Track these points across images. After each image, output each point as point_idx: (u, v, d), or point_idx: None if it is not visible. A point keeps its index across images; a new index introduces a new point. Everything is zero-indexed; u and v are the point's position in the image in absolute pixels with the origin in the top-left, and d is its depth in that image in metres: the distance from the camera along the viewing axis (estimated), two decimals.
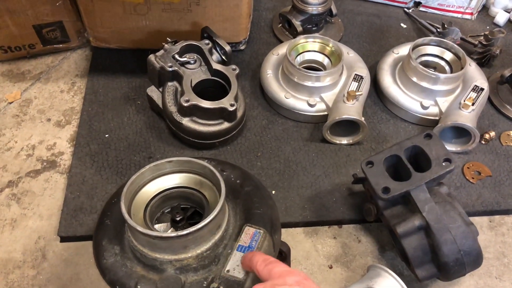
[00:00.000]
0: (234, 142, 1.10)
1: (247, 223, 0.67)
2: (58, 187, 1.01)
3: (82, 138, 1.08)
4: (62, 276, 0.89)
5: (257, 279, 0.59)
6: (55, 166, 1.05)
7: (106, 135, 1.08)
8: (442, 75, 1.09)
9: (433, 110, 1.13)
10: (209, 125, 1.03)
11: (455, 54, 1.15)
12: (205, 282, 0.62)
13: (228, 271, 0.62)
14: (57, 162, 1.06)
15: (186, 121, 1.01)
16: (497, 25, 1.42)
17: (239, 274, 0.61)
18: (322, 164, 1.07)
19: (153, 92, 1.09)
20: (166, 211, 0.72)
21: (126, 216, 0.60)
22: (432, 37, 1.18)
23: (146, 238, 0.61)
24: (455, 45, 1.14)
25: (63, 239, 0.94)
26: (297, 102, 1.12)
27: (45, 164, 1.05)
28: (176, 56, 1.03)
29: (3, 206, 0.98)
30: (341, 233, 0.99)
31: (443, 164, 0.85)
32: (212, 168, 0.67)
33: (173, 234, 0.59)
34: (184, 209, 0.72)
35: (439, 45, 1.16)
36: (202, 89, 1.05)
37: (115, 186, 1.00)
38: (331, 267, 0.95)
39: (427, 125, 1.14)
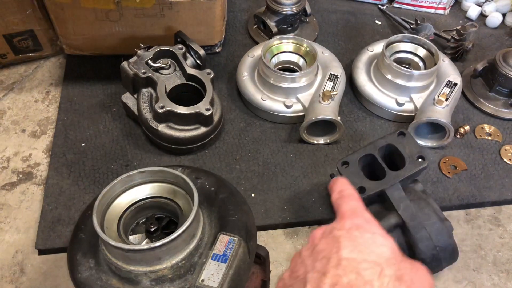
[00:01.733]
0: (212, 146, 1.10)
1: (222, 231, 0.67)
2: (35, 199, 1.00)
3: (58, 148, 1.06)
4: None
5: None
6: (31, 177, 1.04)
7: (83, 144, 1.07)
8: (416, 72, 1.10)
9: (409, 106, 1.14)
10: (186, 130, 1.02)
11: (428, 50, 1.16)
12: None
13: (203, 280, 0.62)
14: (33, 173, 1.05)
15: (162, 127, 1.01)
16: (469, 19, 1.43)
17: (213, 283, 0.61)
18: (300, 164, 1.08)
19: (128, 99, 1.08)
20: (141, 221, 0.72)
21: (98, 230, 0.60)
22: (405, 34, 1.19)
23: (119, 251, 0.60)
24: (428, 41, 1.15)
25: (41, 252, 0.93)
26: (274, 103, 1.12)
27: (21, 176, 1.04)
28: (150, 62, 1.02)
29: None
30: None
31: (417, 161, 0.86)
32: (184, 177, 0.67)
33: (146, 247, 0.59)
34: (159, 219, 0.72)
35: (412, 41, 1.17)
36: (177, 94, 1.04)
37: (92, 196, 0.99)
38: None
39: (403, 121, 1.16)
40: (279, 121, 1.14)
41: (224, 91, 1.21)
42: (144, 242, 0.70)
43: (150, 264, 0.62)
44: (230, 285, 0.61)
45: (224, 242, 0.65)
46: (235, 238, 0.65)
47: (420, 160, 0.87)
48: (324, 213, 1.01)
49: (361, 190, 0.85)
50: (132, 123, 1.12)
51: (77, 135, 1.09)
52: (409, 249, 0.85)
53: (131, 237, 0.69)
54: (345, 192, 0.60)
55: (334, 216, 0.99)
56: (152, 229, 0.68)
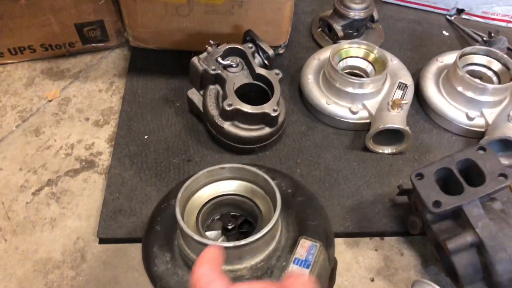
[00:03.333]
0: (273, 148, 1.08)
1: (302, 235, 0.65)
2: (97, 188, 1.01)
3: (121, 139, 1.07)
4: (101, 279, 0.88)
5: None
6: (93, 166, 1.05)
7: (146, 137, 1.07)
8: (490, 86, 1.06)
9: (479, 121, 1.09)
10: (250, 130, 1.01)
11: (504, 64, 1.11)
12: None
13: None
14: (96, 162, 1.05)
15: (227, 125, 1.00)
16: None
17: None
18: (363, 173, 1.05)
19: (194, 94, 1.07)
20: (216, 218, 0.71)
21: (182, 223, 0.59)
22: (480, 46, 1.14)
23: (201, 247, 0.59)
24: (505, 55, 1.10)
25: (102, 241, 0.93)
26: (339, 108, 1.09)
27: (83, 163, 1.05)
28: (219, 59, 1.02)
29: (43, 205, 0.97)
30: (383, 245, 0.97)
31: (499, 178, 0.82)
32: (266, 176, 0.65)
33: (231, 244, 0.57)
34: (233, 217, 0.70)
35: (487, 54, 1.13)
36: (243, 93, 1.03)
37: (154, 189, 0.99)
38: (373, 280, 0.92)
39: (472, 136, 1.11)
40: (342, 127, 1.11)
41: (286, 93, 1.19)
42: (220, 239, 0.68)
43: (230, 263, 0.60)
44: None
45: (306, 247, 0.62)
46: (317, 244, 0.63)
47: (501, 177, 0.82)
48: (388, 225, 0.97)
49: (436, 204, 0.82)
50: (194, 119, 1.11)
51: (140, 127, 1.09)
52: (484, 270, 0.80)
53: (207, 233, 0.68)
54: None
55: (398, 229, 0.96)
56: (230, 227, 0.67)
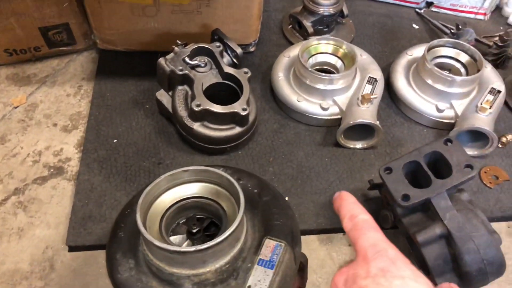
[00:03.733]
0: (245, 147, 1.07)
1: (267, 235, 0.64)
2: (66, 195, 0.99)
3: (89, 144, 1.05)
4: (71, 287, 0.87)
5: None
6: (62, 172, 1.03)
7: (115, 140, 1.06)
8: (458, 78, 1.07)
9: (449, 113, 1.10)
10: (221, 130, 1.00)
11: (471, 56, 1.12)
12: None
13: (249, 286, 0.59)
14: (64, 168, 1.03)
15: (197, 126, 0.99)
16: (511, 26, 1.39)
17: None
18: (336, 169, 1.05)
19: (163, 96, 1.06)
20: (181, 222, 0.70)
21: (142, 229, 0.58)
22: (448, 39, 1.15)
23: (164, 252, 0.58)
24: (472, 47, 1.11)
25: (72, 249, 0.91)
26: (310, 105, 1.09)
27: (52, 170, 1.03)
28: (187, 59, 1.00)
29: (10, 215, 0.95)
30: None
31: (465, 170, 0.83)
32: (230, 178, 0.64)
33: (193, 249, 0.56)
34: (199, 220, 0.69)
35: (455, 46, 1.13)
36: (212, 93, 1.02)
37: (124, 194, 0.97)
38: None
39: (443, 128, 1.12)
40: (314, 123, 1.11)
41: (258, 91, 1.19)
42: (185, 243, 0.67)
43: (193, 267, 0.59)
44: None
45: (271, 247, 0.62)
46: (282, 244, 0.62)
47: (467, 169, 0.83)
48: None
49: (405, 198, 0.82)
50: (164, 121, 1.10)
51: (109, 131, 1.07)
52: (454, 261, 0.81)
53: (171, 238, 0.67)
54: (358, 219, 0.54)
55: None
56: (194, 230, 0.66)
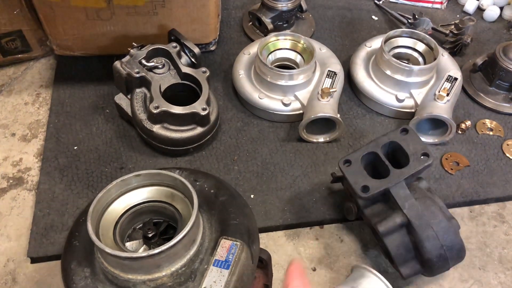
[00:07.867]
0: (209, 146, 1.07)
1: (223, 235, 0.64)
2: (27, 205, 0.97)
3: (49, 152, 1.03)
4: None
5: None
6: (22, 183, 1.00)
7: (75, 147, 1.04)
8: (415, 67, 1.08)
9: (409, 102, 1.12)
10: (182, 131, 0.99)
11: (427, 44, 1.14)
12: None
13: None
14: (24, 178, 1.01)
15: (157, 128, 0.98)
16: (467, 13, 1.41)
17: None
18: (300, 164, 1.05)
19: (122, 99, 1.04)
20: (137, 227, 0.69)
21: (93, 237, 0.57)
22: (404, 29, 1.17)
23: (116, 259, 0.57)
24: (427, 36, 1.13)
25: (34, 260, 0.89)
26: (272, 102, 1.09)
27: (11, 181, 1.00)
28: (143, 61, 0.99)
29: None
30: (323, 234, 0.98)
31: (421, 158, 0.84)
32: (183, 179, 0.64)
33: (144, 254, 0.56)
34: (156, 224, 0.69)
35: (411, 36, 1.15)
36: (172, 94, 1.01)
37: (86, 201, 0.96)
38: (314, 270, 0.93)
39: (404, 118, 1.13)
40: (277, 119, 1.11)
41: (220, 90, 1.18)
42: (142, 248, 0.67)
43: (148, 272, 0.59)
44: None
45: (226, 247, 0.62)
46: (237, 243, 0.62)
47: (424, 157, 0.84)
48: (326, 213, 0.98)
49: (364, 189, 0.83)
50: (126, 125, 1.08)
51: (69, 138, 1.05)
52: (415, 249, 0.82)
53: (127, 244, 0.66)
54: None
55: (337, 216, 0.97)
56: (150, 235, 0.65)
